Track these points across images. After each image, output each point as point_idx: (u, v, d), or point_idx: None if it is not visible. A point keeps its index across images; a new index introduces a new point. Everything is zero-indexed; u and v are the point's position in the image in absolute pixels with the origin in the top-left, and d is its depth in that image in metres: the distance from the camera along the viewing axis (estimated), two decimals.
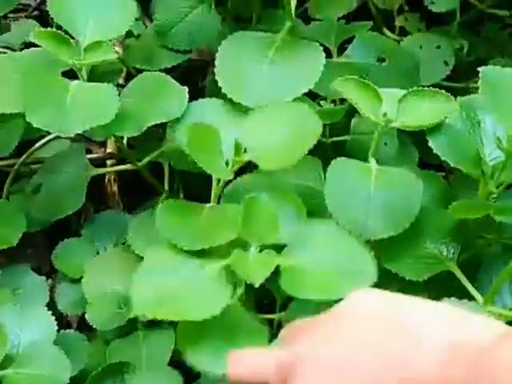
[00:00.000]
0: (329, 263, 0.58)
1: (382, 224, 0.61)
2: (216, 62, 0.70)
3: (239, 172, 0.67)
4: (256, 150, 0.64)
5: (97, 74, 0.77)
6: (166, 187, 0.82)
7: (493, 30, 0.94)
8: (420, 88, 0.66)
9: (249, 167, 0.68)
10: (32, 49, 0.71)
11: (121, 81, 0.83)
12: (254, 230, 0.59)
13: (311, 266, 0.58)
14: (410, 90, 0.66)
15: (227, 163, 0.64)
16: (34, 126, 0.61)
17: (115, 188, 0.88)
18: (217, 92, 0.70)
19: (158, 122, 0.67)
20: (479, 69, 0.61)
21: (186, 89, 0.69)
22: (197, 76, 0.94)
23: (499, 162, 0.62)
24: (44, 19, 1.05)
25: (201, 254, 0.59)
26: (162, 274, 0.59)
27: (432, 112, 0.64)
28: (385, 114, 0.64)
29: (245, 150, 0.64)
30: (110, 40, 0.68)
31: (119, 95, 0.66)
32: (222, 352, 0.58)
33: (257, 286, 0.56)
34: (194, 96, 0.74)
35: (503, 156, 0.61)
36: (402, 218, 0.61)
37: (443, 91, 0.66)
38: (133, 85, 0.71)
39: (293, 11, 0.73)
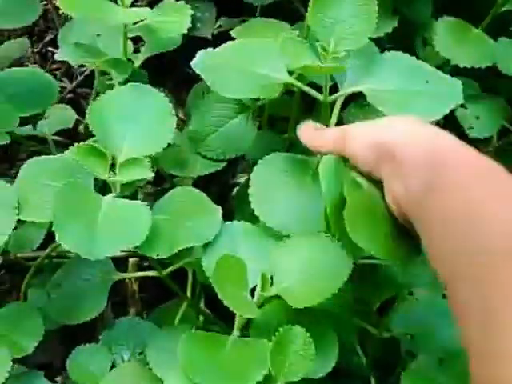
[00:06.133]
0: None
1: None
2: (250, 183, 0.68)
3: None
4: (284, 283, 0.63)
5: None
6: (188, 294, 0.80)
7: None
8: None
9: None
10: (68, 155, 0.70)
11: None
12: (284, 365, 0.59)
13: None
14: None
15: (253, 294, 0.63)
16: (63, 245, 0.60)
17: (136, 286, 0.87)
18: (246, 202, 0.69)
19: (190, 245, 0.65)
20: None
21: (220, 209, 0.68)
22: (226, 174, 0.94)
23: None
24: (77, 103, 1.06)
25: None
26: None
27: None
28: None
29: (272, 282, 0.63)
30: (147, 156, 0.67)
31: (150, 208, 0.65)
32: None
33: None
34: (221, 196, 0.72)
35: None
36: None
37: None
38: (166, 200, 0.69)
39: None
